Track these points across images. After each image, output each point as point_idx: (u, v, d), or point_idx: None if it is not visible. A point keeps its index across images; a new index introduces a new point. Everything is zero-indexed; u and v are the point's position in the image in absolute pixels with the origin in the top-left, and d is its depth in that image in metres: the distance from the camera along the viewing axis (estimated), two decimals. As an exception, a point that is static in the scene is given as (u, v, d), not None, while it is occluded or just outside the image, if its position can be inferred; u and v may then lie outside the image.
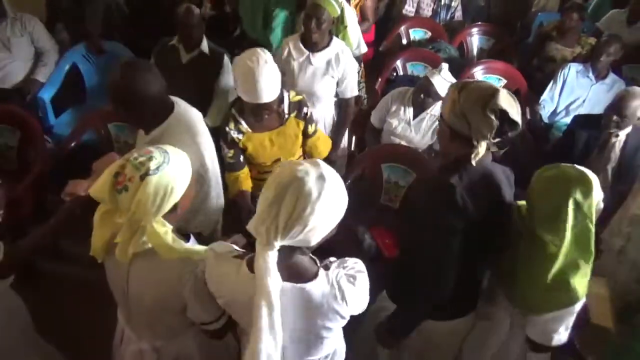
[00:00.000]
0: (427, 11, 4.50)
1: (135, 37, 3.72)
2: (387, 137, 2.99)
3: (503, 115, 1.40)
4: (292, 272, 1.20)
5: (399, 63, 3.87)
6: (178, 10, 2.84)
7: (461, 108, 1.43)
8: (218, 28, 3.45)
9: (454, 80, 2.77)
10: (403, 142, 2.92)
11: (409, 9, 4.51)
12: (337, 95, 2.84)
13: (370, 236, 2.54)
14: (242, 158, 2.27)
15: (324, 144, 2.52)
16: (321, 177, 1.13)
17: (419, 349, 1.78)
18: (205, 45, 2.91)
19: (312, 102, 2.65)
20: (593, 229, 1.48)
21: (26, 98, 3.20)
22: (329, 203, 1.13)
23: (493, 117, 1.39)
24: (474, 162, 1.46)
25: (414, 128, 2.89)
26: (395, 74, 3.82)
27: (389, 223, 2.70)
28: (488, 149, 1.48)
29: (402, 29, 4.29)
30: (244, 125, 2.19)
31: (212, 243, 1.36)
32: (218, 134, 2.21)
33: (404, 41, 4.25)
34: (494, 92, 1.41)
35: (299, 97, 2.26)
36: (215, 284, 1.28)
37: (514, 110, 1.42)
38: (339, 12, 2.58)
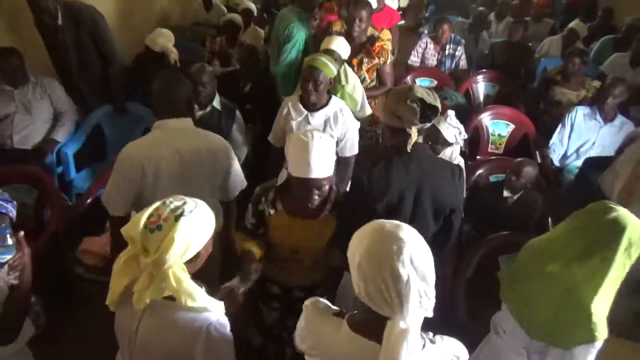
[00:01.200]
0: (432, 61, 4.62)
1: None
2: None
3: (422, 102, 1.77)
4: None
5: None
6: (191, 69, 2.94)
7: (390, 107, 1.82)
8: (229, 84, 3.55)
9: (460, 127, 2.80)
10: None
11: (414, 60, 4.64)
12: (336, 154, 2.76)
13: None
14: (260, 231, 2.05)
15: None
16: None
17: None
18: (217, 101, 3.00)
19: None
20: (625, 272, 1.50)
21: (44, 157, 3.29)
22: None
23: (414, 105, 1.76)
24: (409, 148, 1.82)
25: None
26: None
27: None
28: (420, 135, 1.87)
29: (409, 78, 4.39)
30: (280, 206, 1.99)
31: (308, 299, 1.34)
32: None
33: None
34: (410, 88, 1.81)
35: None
36: (312, 338, 1.26)
37: (431, 98, 1.80)
38: (335, 72, 2.57)
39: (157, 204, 1.32)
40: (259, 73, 3.89)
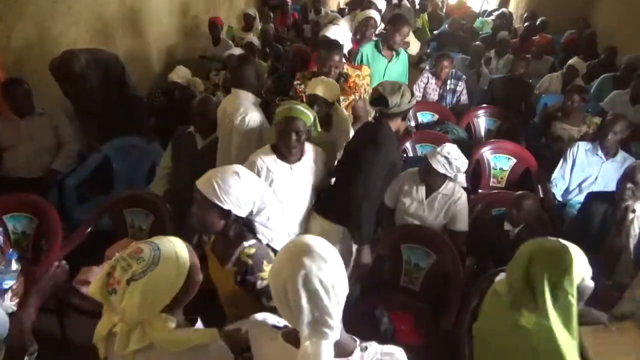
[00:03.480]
0: (434, 95, 4.67)
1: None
2: (400, 216, 2.99)
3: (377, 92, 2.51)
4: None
5: (408, 145, 3.96)
6: (194, 101, 2.99)
7: None
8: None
9: (453, 160, 2.78)
10: (416, 222, 2.91)
11: (416, 94, 4.67)
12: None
13: (388, 319, 2.46)
14: None
15: None
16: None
17: None
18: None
19: (295, 213, 2.57)
20: (575, 305, 1.48)
21: (46, 186, 3.30)
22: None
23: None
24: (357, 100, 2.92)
25: (427, 207, 2.89)
26: (405, 155, 3.90)
27: (410, 305, 2.63)
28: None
29: (410, 113, 4.41)
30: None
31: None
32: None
33: (413, 124, 4.37)
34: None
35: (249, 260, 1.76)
36: (255, 349, 1.35)
37: (386, 91, 2.46)
38: (312, 118, 2.44)
39: (114, 259, 1.27)
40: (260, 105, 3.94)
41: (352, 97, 3.24)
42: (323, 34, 3.80)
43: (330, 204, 2.63)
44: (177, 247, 1.31)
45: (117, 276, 1.22)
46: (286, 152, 2.44)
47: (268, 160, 2.44)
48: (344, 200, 2.49)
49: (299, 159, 2.50)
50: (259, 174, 2.39)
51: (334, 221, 2.58)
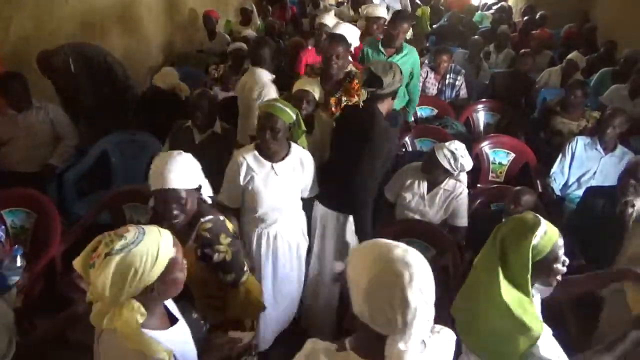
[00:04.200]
0: (433, 90, 4.67)
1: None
2: (401, 211, 2.99)
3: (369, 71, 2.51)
4: None
5: (407, 139, 3.95)
6: (192, 95, 2.98)
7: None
8: (229, 110, 3.58)
9: (459, 157, 2.78)
10: (417, 217, 2.91)
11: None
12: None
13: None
14: None
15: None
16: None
17: None
18: (218, 126, 3.02)
19: (279, 215, 2.49)
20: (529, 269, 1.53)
21: (44, 181, 3.29)
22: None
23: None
24: (361, 104, 2.59)
25: (428, 202, 2.89)
26: (404, 149, 3.89)
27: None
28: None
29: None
30: None
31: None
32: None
33: (412, 119, 4.37)
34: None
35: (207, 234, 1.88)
36: None
37: (379, 71, 2.48)
38: (294, 117, 2.37)
39: (99, 236, 1.28)
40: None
41: (355, 99, 3.04)
42: (321, 22, 3.80)
43: (329, 194, 2.67)
44: (163, 238, 1.31)
45: (99, 250, 1.23)
46: (264, 148, 2.38)
47: (249, 158, 2.39)
48: (340, 191, 2.53)
49: (283, 159, 2.43)
50: (239, 171, 2.37)
51: (335, 209, 2.65)
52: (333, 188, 2.64)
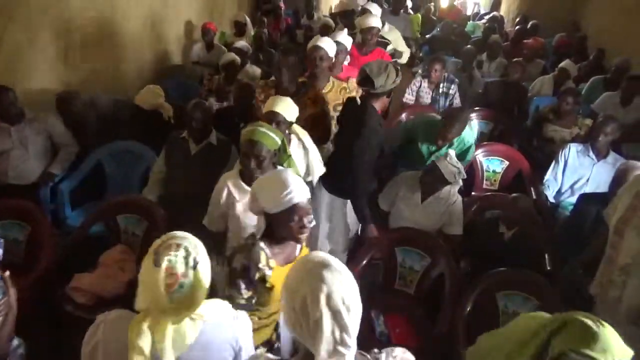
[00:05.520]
0: (427, 99, 4.69)
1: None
2: (395, 220, 2.99)
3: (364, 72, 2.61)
4: None
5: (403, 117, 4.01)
6: (188, 106, 2.98)
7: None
8: (224, 120, 3.58)
9: (460, 167, 2.80)
10: (411, 225, 2.91)
11: (409, 97, 4.71)
12: None
13: (383, 322, 2.47)
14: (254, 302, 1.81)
15: None
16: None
17: None
18: (213, 137, 3.03)
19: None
20: None
21: (39, 191, 3.28)
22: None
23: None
24: (358, 100, 2.78)
25: (423, 211, 2.90)
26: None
27: (404, 308, 2.63)
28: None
29: (403, 115, 4.45)
30: (273, 261, 1.78)
31: None
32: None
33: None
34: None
35: None
36: None
37: (373, 73, 2.58)
38: (279, 142, 2.22)
39: (164, 263, 1.28)
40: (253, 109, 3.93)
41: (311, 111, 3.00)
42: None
43: (331, 184, 2.93)
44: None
45: (179, 272, 1.25)
46: (247, 176, 2.26)
47: (231, 184, 2.31)
48: (340, 183, 2.84)
49: None
50: (221, 196, 2.31)
51: (338, 195, 2.93)
52: (335, 178, 2.87)
